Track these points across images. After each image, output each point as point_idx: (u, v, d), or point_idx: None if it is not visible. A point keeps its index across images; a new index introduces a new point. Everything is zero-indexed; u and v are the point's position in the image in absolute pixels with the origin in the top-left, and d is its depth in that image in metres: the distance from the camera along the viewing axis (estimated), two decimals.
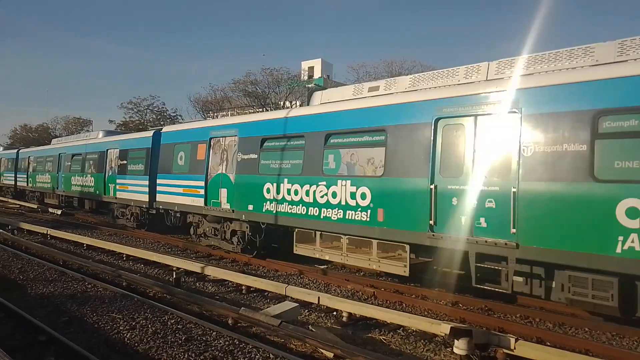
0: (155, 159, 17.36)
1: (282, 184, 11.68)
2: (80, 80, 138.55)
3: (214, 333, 6.96)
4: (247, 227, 13.15)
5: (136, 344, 6.50)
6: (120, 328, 7.10)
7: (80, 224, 21.32)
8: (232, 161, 13.33)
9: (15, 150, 36.52)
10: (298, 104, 40.28)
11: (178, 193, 15.18)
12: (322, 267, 12.57)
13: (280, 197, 11.69)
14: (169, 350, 6.25)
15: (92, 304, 8.38)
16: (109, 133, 24.20)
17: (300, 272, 11.76)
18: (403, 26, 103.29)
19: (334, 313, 8.58)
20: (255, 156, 12.55)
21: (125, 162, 19.60)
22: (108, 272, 11.00)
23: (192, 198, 14.56)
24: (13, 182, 35.57)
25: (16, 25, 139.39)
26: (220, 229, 14.20)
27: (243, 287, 10.11)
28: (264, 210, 12.14)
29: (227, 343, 6.55)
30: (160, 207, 16.35)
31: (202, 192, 14.11)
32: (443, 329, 6.69)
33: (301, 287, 10.19)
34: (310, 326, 7.43)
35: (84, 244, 15.27)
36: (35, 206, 28.09)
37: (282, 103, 41.80)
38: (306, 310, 8.55)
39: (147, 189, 17.53)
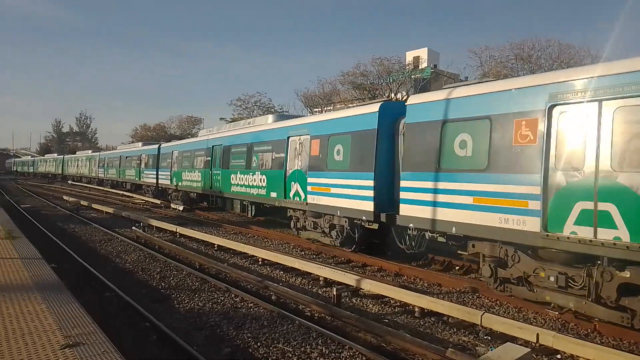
0: None
1: None
2: (189, 81, 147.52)
3: None
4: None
5: None
6: None
7: (203, 221, 20.93)
8: None
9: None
10: (405, 95, 37.71)
11: None
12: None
13: None
14: None
15: (249, 327, 6.95)
16: None
17: (474, 289, 9.57)
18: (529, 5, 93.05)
19: (558, 356, 6.35)
20: None
21: None
22: (252, 281, 9.69)
23: None
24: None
25: (131, 35, 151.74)
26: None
27: (415, 309, 8.17)
28: None
29: None
30: None
31: None
32: None
33: (484, 310, 8.03)
34: None
35: (214, 244, 14.37)
36: (158, 201, 28.72)
37: (394, 95, 39.42)
38: None
39: None
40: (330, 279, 10.04)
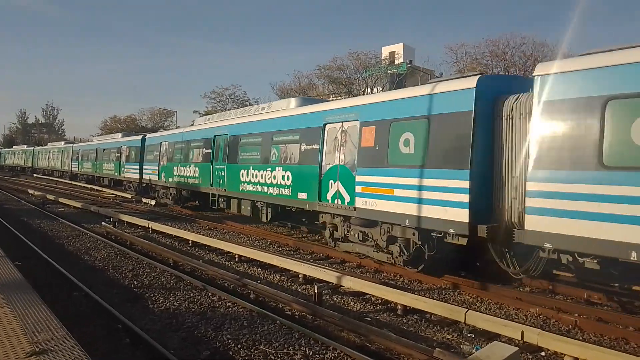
0: None
1: None
2: (164, 74, 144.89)
3: None
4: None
5: None
6: None
7: (176, 216, 20.42)
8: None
9: None
10: (380, 90, 37.79)
11: None
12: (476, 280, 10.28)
13: None
14: None
15: (229, 328, 6.68)
16: None
17: (455, 285, 9.53)
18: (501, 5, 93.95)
19: (542, 354, 6.32)
20: None
21: None
22: (229, 279, 9.38)
23: None
24: None
25: (99, 26, 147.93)
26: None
27: (398, 306, 8.05)
28: None
29: None
30: None
31: None
32: None
33: (466, 307, 7.94)
34: None
35: (189, 240, 13.96)
36: (129, 196, 27.93)
37: (369, 90, 39.39)
38: None
39: None
40: (310, 276, 9.84)
